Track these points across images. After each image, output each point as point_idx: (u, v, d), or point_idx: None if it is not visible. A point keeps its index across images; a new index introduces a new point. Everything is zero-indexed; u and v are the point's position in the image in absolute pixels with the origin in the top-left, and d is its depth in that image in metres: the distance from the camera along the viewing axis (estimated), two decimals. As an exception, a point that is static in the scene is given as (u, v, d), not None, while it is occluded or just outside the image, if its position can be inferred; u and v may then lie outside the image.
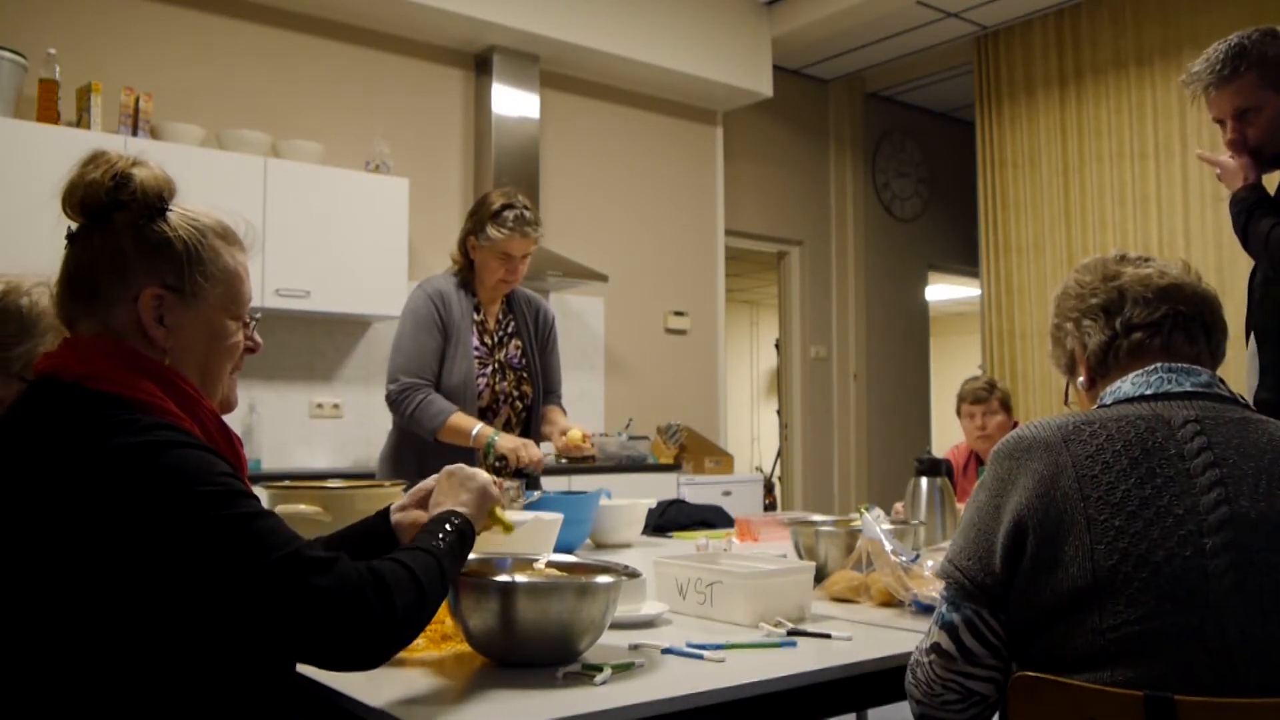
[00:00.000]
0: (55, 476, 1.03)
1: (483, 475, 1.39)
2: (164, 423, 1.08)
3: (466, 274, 2.82)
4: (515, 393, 2.83)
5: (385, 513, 1.40)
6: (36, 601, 1.02)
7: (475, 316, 2.81)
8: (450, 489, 1.36)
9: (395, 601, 1.08)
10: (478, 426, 2.64)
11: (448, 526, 1.26)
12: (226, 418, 1.23)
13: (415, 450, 2.74)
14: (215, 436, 1.16)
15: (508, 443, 2.63)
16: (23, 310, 1.47)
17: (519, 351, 2.86)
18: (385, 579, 1.08)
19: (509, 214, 2.71)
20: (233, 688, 1.09)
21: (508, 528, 1.40)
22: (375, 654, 1.08)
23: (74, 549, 1.01)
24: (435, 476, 1.41)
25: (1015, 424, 3.68)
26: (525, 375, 2.86)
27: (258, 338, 1.28)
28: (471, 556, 1.47)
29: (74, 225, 1.17)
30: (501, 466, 2.84)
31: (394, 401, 2.71)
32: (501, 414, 2.82)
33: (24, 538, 1.03)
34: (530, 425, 2.89)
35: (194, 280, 1.17)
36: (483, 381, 2.77)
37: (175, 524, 1.01)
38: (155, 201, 1.17)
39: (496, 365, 2.81)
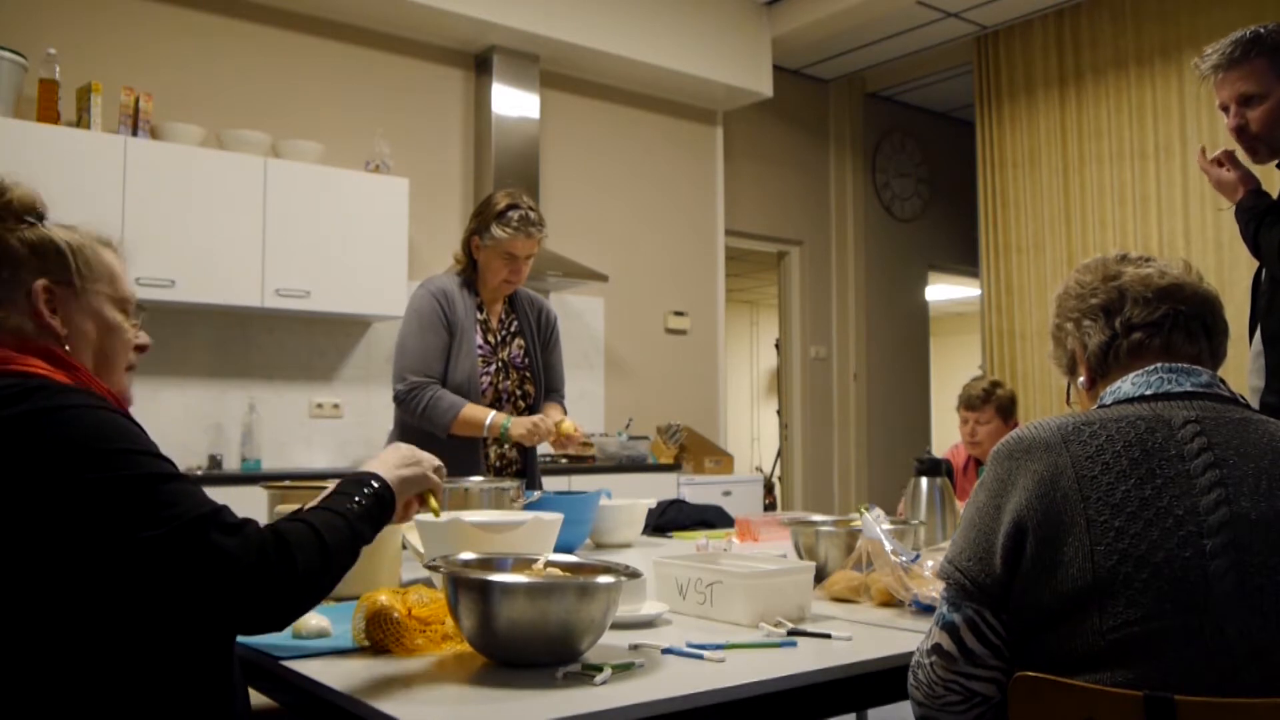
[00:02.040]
0: None
1: (429, 462, 1.39)
2: (72, 388, 1.13)
3: (469, 274, 2.83)
4: (518, 391, 2.84)
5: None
6: None
7: (479, 315, 2.83)
8: (388, 460, 1.36)
9: (296, 562, 1.10)
10: (490, 415, 2.66)
11: (365, 490, 1.27)
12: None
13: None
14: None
15: (520, 428, 2.65)
16: None
17: (521, 351, 2.87)
18: (288, 540, 1.11)
19: (514, 214, 2.72)
20: (154, 658, 1.10)
21: (436, 512, 1.41)
22: (276, 616, 1.09)
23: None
24: None
25: (1015, 426, 3.65)
26: (528, 375, 2.87)
27: (145, 336, 1.34)
28: (471, 556, 1.47)
29: None
30: (502, 467, 2.84)
31: (403, 400, 2.71)
32: (504, 412, 2.82)
33: None
34: None
35: (80, 273, 1.25)
36: (486, 379, 2.79)
37: (85, 483, 1.04)
38: (29, 210, 1.25)
39: (500, 364, 2.82)
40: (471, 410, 2.67)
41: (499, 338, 2.86)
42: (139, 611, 1.08)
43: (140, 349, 1.33)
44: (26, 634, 1.04)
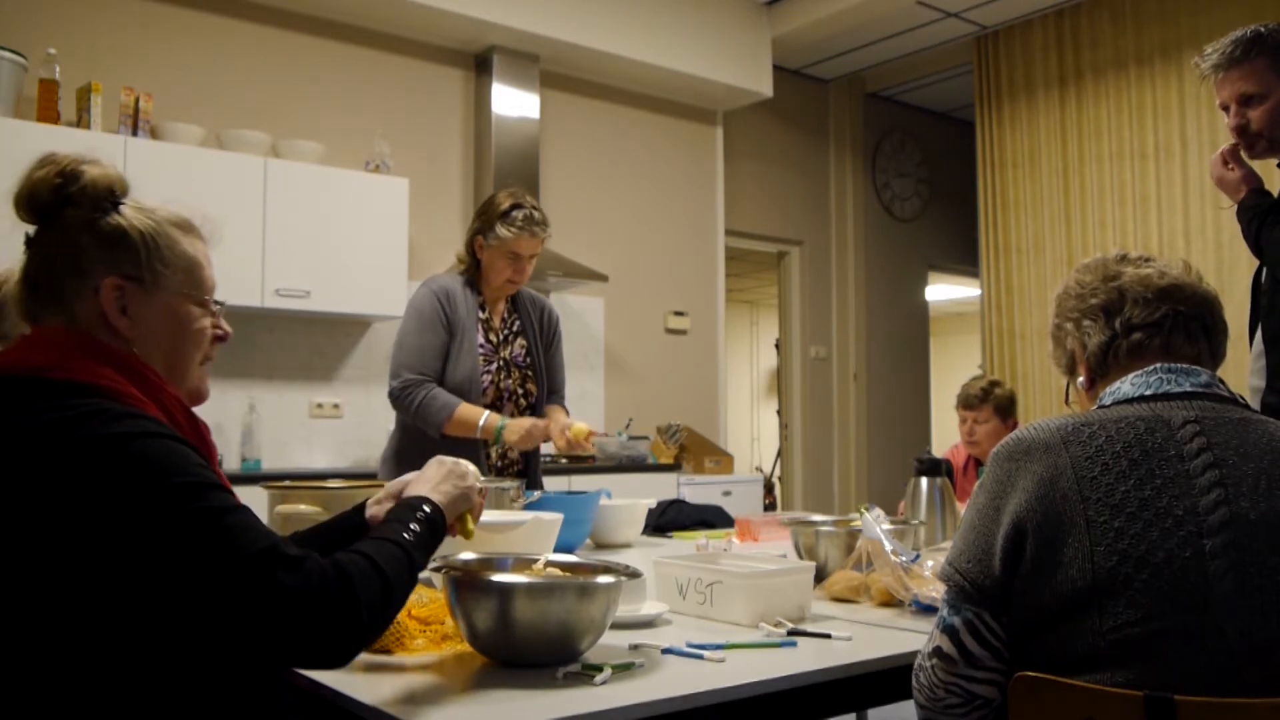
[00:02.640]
0: (21, 471, 1.02)
1: (474, 474, 1.37)
2: (134, 411, 1.07)
3: (472, 273, 2.84)
4: (520, 390, 2.85)
5: (361, 507, 1.39)
6: (6, 599, 1.02)
7: (480, 315, 2.84)
8: (433, 478, 1.34)
9: (360, 599, 1.06)
10: (485, 415, 2.66)
11: (419, 515, 1.24)
12: (202, 410, 1.23)
13: (419, 449, 2.75)
14: (181, 423, 1.15)
15: (515, 433, 2.64)
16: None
17: (524, 350, 2.88)
18: (351, 577, 1.07)
19: (518, 214, 2.72)
20: (210, 684, 1.09)
21: (468, 534, 1.38)
22: (341, 653, 1.07)
23: (44, 544, 1.01)
24: (413, 473, 1.39)
25: (1014, 426, 3.64)
26: (530, 374, 2.87)
27: (225, 325, 1.29)
28: (471, 556, 1.47)
29: (31, 229, 1.18)
30: (504, 467, 2.84)
31: (397, 398, 2.71)
32: (505, 411, 2.83)
33: None
34: None
35: (153, 268, 1.18)
36: (487, 378, 2.79)
37: (146, 517, 1.00)
38: (105, 195, 1.18)
39: (501, 363, 2.83)
40: (467, 410, 2.67)
41: (501, 337, 2.86)
42: (198, 643, 1.06)
43: (218, 340, 1.27)
44: (78, 662, 1.02)
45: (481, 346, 2.81)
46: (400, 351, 2.74)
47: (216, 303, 1.27)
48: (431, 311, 2.74)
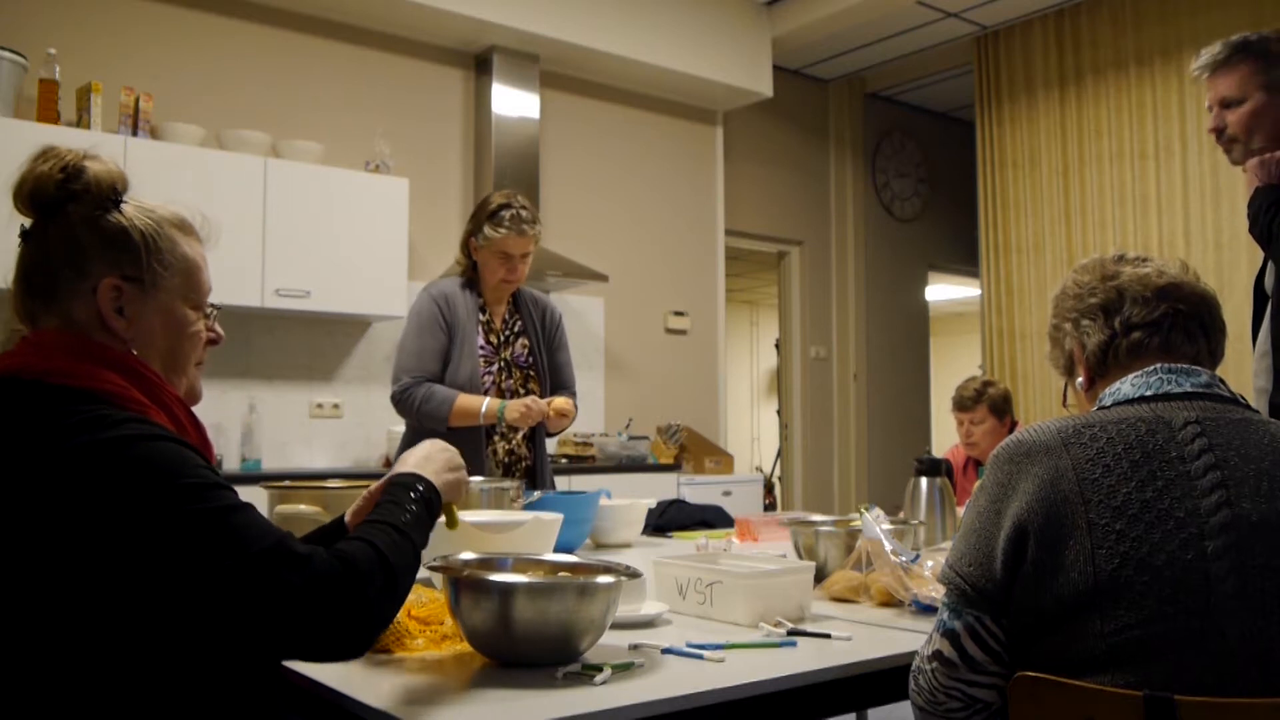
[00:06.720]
0: (25, 477, 1.02)
1: (464, 469, 1.37)
2: (134, 416, 1.07)
3: (471, 275, 2.89)
4: (521, 390, 2.87)
5: (341, 520, 1.38)
6: (10, 602, 1.02)
7: (481, 316, 2.86)
8: (426, 454, 1.33)
9: (368, 592, 1.07)
10: (486, 402, 2.70)
11: (413, 495, 1.24)
12: (198, 410, 1.23)
13: None
14: (185, 424, 1.15)
15: (515, 410, 2.67)
16: None
17: (525, 350, 2.90)
18: (358, 567, 1.07)
19: (505, 214, 2.76)
20: (215, 683, 1.09)
21: (453, 524, 1.38)
22: (354, 645, 1.07)
23: (49, 549, 1.01)
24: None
25: (1014, 425, 3.64)
26: (532, 373, 2.89)
27: (219, 329, 1.29)
28: (471, 556, 1.47)
29: (27, 222, 1.17)
30: (511, 464, 2.85)
31: (399, 400, 2.75)
32: None
33: None
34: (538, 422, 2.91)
35: (152, 269, 1.17)
36: (489, 379, 2.82)
37: (151, 519, 1.00)
38: (108, 193, 1.17)
39: (502, 363, 2.85)
40: (466, 399, 2.71)
41: (502, 338, 2.88)
42: (206, 642, 1.07)
43: (211, 343, 1.27)
44: (84, 664, 1.02)
45: (482, 348, 2.83)
46: (400, 356, 2.80)
47: (213, 306, 1.27)
48: (429, 315, 2.79)
